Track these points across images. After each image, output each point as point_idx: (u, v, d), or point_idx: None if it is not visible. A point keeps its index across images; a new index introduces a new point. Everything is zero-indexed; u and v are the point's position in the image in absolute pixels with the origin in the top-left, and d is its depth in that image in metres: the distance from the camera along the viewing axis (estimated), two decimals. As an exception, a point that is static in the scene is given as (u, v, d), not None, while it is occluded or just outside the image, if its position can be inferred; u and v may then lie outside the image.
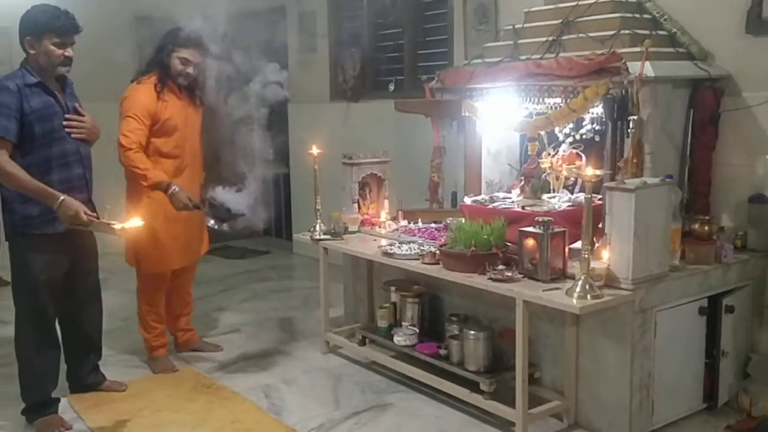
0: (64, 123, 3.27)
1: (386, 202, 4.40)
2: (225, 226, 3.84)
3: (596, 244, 3.21)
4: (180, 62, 3.81)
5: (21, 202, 3.20)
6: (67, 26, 3.21)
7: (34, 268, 3.25)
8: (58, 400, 3.47)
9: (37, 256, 3.25)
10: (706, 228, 3.33)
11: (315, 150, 4.14)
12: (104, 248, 3.62)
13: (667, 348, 3.14)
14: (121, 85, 3.94)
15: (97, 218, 3.12)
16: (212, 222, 3.86)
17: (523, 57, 3.85)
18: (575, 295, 2.87)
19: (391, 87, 5.75)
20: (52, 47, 3.19)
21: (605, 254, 3.06)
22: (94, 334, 3.63)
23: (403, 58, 5.69)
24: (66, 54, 3.24)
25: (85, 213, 3.08)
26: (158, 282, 4.01)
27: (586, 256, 2.87)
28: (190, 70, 3.83)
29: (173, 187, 3.67)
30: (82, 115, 3.36)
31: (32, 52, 3.21)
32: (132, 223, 3.06)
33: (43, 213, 3.18)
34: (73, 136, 3.30)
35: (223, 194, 3.78)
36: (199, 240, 4.13)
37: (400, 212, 4.32)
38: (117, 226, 3.04)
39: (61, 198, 3.07)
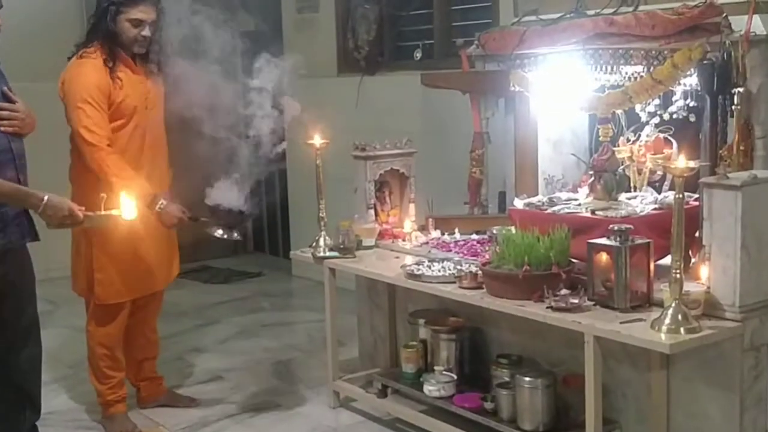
0: None
1: (412, 206, 4.41)
2: (236, 235, 3.91)
3: (692, 260, 3.18)
4: (131, 24, 3.83)
5: None
6: None
7: None
8: (-18, 474, 3.49)
9: None
10: (840, 236, 3.29)
11: (317, 140, 4.15)
12: (47, 272, 3.65)
13: (790, 397, 3.10)
14: (63, 59, 3.97)
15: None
16: (220, 232, 3.89)
17: (591, 12, 3.84)
18: (664, 328, 2.84)
19: (418, 55, 5.76)
20: None
21: (704, 273, 3.04)
22: (31, 386, 3.64)
23: (433, 16, 5.69)
24: None
25: (78, 209, 3.20)
26: (115, 315, 4.03)
27: (678, 275, 2.85)
28: (145, 32, 3.86)
29: (161, 201, 3.78)
30: (13, 102, 3.40)
31: None
32: (128, 209, 3.24)
33: None
34: (2, 129, 3.33)
35: (224, 194, 3.85)
36: (169, 259, 4.18)
37: (430, 220, 4.32)
38: (116, 212, 3.23)
39: (45, 198, 3.16)
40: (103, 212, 3.25)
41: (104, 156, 3.73)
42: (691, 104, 3.54)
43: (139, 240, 3.94)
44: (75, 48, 3.95)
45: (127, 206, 3.26)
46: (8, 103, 3.37)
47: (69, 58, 3.93)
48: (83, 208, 3.26)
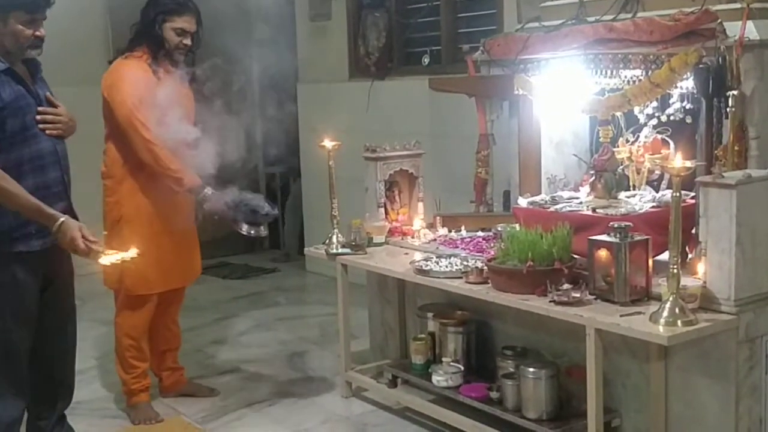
0: (38, 117, 3.33)
1: (420, 205, 4.41)
2: (263, 231, 4.00)
3: (689, 256, 3.17)
4: (176, 33, 3.94)
5: None
6: (37, 0, 3.26)
7: (5, 294, 3.30)
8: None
9: (9, 279, 3.29)
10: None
11: (329, 142, 4.15)
12: (76, 269, 3.66)
13: (783, 387, 3.09)
14: (92, 65, 4.00)
15: (93, 244, 3.16)
16: (246, 228, 3.93)
17: (591, 18, 3.83)
18: (662, 321, 2.85)
19: (426, 60, 5.75)
20: (20, 26, 3.24)
21: (700, 268, 3.03)
22: (66, 375, 3.66)
23: (440, 23, 5.68)
24: (37, 33, 3.28)
25: (84, 238, 3.12)
26: (143, 307, 4.06)
27: (675, 270, 2.85)
28: (187, 41, 3.97)
29: (205, 190, 3.84)
30: (56, 107, 3.42)
31: None
32: (131, 252, 3.21)
33: (17, 227, 3.23)
34: (48, 132, 3.35)
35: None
36: (193, 258, 4.23)
37: (437, 218, 4.31)
38: (124, 255, 3.18)
39: (60, 220, 3.12)
40: (109, 251, 3.18)
41: (158, 150, 3.82)
42: (688, 106, 3.53)
43: (167, 237, 4.01)
44: (116, 53, 4.05)
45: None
46: (52, 107, 3.40)
47: (110, 62, 4.02)
48: (94, 240, 3.16)
